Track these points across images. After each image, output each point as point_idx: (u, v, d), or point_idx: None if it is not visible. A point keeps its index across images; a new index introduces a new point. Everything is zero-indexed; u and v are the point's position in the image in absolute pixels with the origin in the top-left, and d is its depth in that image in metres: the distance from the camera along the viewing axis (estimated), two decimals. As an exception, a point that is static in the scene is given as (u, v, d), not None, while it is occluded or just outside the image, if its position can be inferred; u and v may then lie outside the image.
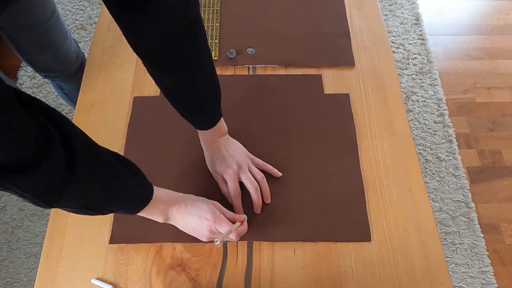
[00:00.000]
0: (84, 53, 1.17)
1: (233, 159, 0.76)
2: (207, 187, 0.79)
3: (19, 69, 1.82)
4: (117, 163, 0.58)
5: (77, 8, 1.98)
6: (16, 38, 0.96)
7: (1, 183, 0.45)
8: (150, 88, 0.92)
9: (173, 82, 0.69)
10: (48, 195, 0.49)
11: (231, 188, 0.75)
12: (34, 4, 0.91)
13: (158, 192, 0.65)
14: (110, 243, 0.74)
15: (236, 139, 0.82)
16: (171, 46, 0.63)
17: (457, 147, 1.62)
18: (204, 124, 0.76)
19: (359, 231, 0.75)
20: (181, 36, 0.63)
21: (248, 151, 0.81)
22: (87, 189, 0.52)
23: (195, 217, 0.67)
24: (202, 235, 0.69)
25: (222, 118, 0.77)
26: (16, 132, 0.42)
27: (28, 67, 1.80)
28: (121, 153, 0.83)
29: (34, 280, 0.71)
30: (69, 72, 1.12)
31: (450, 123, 1.68)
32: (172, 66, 0.66)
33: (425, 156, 1.60)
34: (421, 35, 1.93)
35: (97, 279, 0.70)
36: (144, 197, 0.63)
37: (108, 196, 0.56)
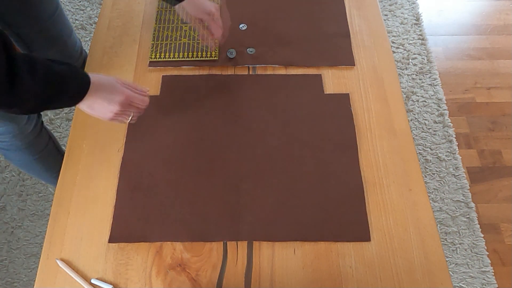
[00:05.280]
0: (84, 53, 1.17)
1: (210, 4, 0.87)
2: (207, 187, 0.79)
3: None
4: (53, 63, 0.66)
5: (77, 8, 1.98)
6: (24, 34, 0.97)
7: None
8: (150, 88, 0.92)
9: None
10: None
11: (218, 25, 0.87)
12: None
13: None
14: (109, 242, 0.74)
15: (236, 139, 0.82)
16: None
17: (457, 147, 1.62)
18: None
19: (359, 231, 0.75)
20: None
21: (248, 151, 0.81)
22: (30, 86, 0.61)
23: (104, 94, 0.72)
24: (109, 113, 0.74)
25: None
26: None
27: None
28: (121, 153, 0.83)
29: (34, 280, 0.71)
30: None
31: (450, 123, 1.68)
32: None
33: (425, 156, 1.60)
34: (421, 35, 1.93)
35: (97, 279, 0.70)
36: (84, 83, 0.69)
37: (49, 90, 0.64)
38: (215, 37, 0.89)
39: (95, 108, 0.72)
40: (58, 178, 0.81)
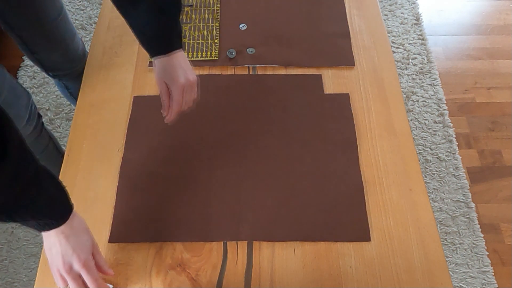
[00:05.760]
0: (85, 53, 1.17)
1: (183, 73, 0.76)
2: (207, 187, 0.79)
3: (19, 68, 1.82)
4: (44, 174, 0.58)
5: (77, 8, 1.98)
6: (27, 37, 0.96)
7: None
8: (150, 88, 0.92)
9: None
10: None
11: (176, 100, 0.76)
12: (42, 0, 0.92)
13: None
14: (109, 242, 0.74)
15: (236, 139, 0.82)
16: None
17: (457, 147, 1.62)
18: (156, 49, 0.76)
19: (359, 231, 0.75)
20: None
21: (248, 151, 0.81)
22: (6, 187, 0.51)
23: (68, 246, 0.62)
24: (56, 265, 0.63)
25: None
26: None
27: (28, 68, 1.80)
28: (121, 153, 0.83)
29: (34, 280, 0.71)
30: (77, 70, 1.12)
31: (450, 123, 1.68)
32: None
33: (425, 156, 1.60)
34: (421, 35, 1.93)
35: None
36: (63, 212, 0.61)
37: (26, 202, 0.55)
38: (167, 114, 0.79)
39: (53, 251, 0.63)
40: None
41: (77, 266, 0.63)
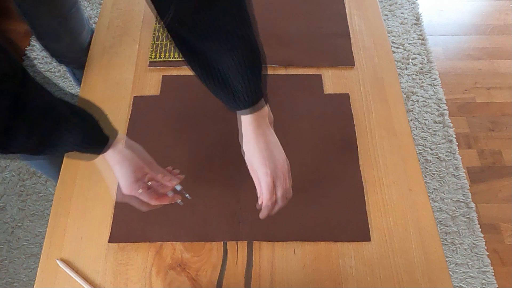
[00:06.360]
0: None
1: (272, 160, 0.66)
2: (207, 187, 0.79)
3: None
4: (69, 116, 0.58)
5: (77, 8, 1.99)
6: (36, 25, 0.98)
7: None
8: (150, 88, 0.92)
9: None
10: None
11: (265, 198, 0.66)
12: None
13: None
14: (109, 241, 0.74)
15: (236, 139, 0.81)
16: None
17: (457, 147, 1.62)
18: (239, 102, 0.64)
19: (359, 231, 0.75)
20: None
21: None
22: (28, 139, 0.54)
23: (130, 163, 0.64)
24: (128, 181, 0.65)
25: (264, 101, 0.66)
26: None
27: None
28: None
29: (34, 280, 0.71)
30: (83, 61, 1.13)
31: (450, 123, 1.68)
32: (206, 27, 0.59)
33: (425, 156, 1.60)
34: (421, 35, 1.93)
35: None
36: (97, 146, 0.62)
37: (52, 146, 0.57)
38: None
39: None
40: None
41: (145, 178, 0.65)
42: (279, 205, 0.68)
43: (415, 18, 1.99)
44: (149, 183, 0.67)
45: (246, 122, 0.66)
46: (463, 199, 1.51)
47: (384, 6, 2.03)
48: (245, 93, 0.64)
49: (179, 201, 0.70)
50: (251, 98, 0.64)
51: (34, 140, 0.55)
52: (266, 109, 0.67)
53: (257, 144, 0.66)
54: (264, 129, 0.67)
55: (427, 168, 1.57)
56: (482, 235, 1.44)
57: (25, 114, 0.52)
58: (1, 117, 0.50)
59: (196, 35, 0.60)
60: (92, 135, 0.61)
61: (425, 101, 1.74)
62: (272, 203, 0.67)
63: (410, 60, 1.85)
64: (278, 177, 0.66)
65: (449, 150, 1.61)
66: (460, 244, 1.43)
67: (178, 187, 0.70)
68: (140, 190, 0.65)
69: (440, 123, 1.68)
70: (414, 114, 1.70)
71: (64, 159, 0.83)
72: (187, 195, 0.72)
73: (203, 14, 0.58)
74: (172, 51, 0.97)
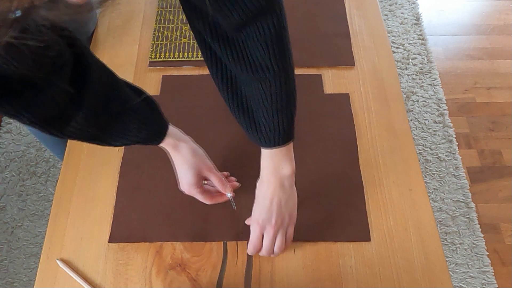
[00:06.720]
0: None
1: (271, 216, 0.65)
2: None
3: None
4: (134, 96, 0.61)
5: (77, 8, 1.99)
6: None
7: (13, 106, 0.47)
8: (150, 88, 0.92)
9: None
10: (57, 122, 0.53)
11: (248, 248, 0.69)
12: None
13: (172, 129, 0.69)
14: (109, 242, 0.74)
15: (236, 139, 0.81)
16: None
17: (457, 147, 1.62)
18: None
19: (359, 231, 0.75)
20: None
21: (248, 151, 0.81)
22: (94, 120, 0.56)
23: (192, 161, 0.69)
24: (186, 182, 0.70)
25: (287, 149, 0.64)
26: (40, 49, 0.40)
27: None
28: (121, 153, 0.83)
29: (34, 280, 0.71)
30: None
31: (450, 123, 1.68)
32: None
33: (425, 156, 1.60)
34: (421, 35, 1.93)
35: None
36: (157, 133, 0.66)
37: (119, 129, 0.60)
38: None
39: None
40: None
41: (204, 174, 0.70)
42: (269, 254, 0.69)
43: (415, 18, 1.99)
44: (205, 182, 0.74)
45: (266, 156, 0.66)
46: (463, 199, 1.51)
47: (384, 6, 2.03)
48: (269, 128, 0.63)
49: (233, 205, 0.74)
50: (277, 138, 0.63)
51: (102, 119, 0.57)
52: (291, 151, 0.65)
53: (268, 190, 0.66)
54: (281, 176, 0.64)
55: (427, 168, 1.57)
56: (482, 235, 1.44)
57: (92, 94, 0.54)
58: (65, 99, 0.51)
59: (228, 54, 0.59)
60: (153, 118, 0.66)
61: (425, 101, 1.74)
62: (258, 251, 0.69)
63: (410, 60, 1.85)
64: (267, 232, 0.67)
65: (449, 150, 1.61)
66: (460, 244, 1.43)
67: (229, 195, 0.73)
68: (197, 191, 0.71)
69: (440, 123, 1.68)
70: (414, 114, 1.70)
71: (64, 159, 0.83)
72: (233, 205, 0.74)
73: (238, 36, 0.58)
74: (172, 51, 0.97)
